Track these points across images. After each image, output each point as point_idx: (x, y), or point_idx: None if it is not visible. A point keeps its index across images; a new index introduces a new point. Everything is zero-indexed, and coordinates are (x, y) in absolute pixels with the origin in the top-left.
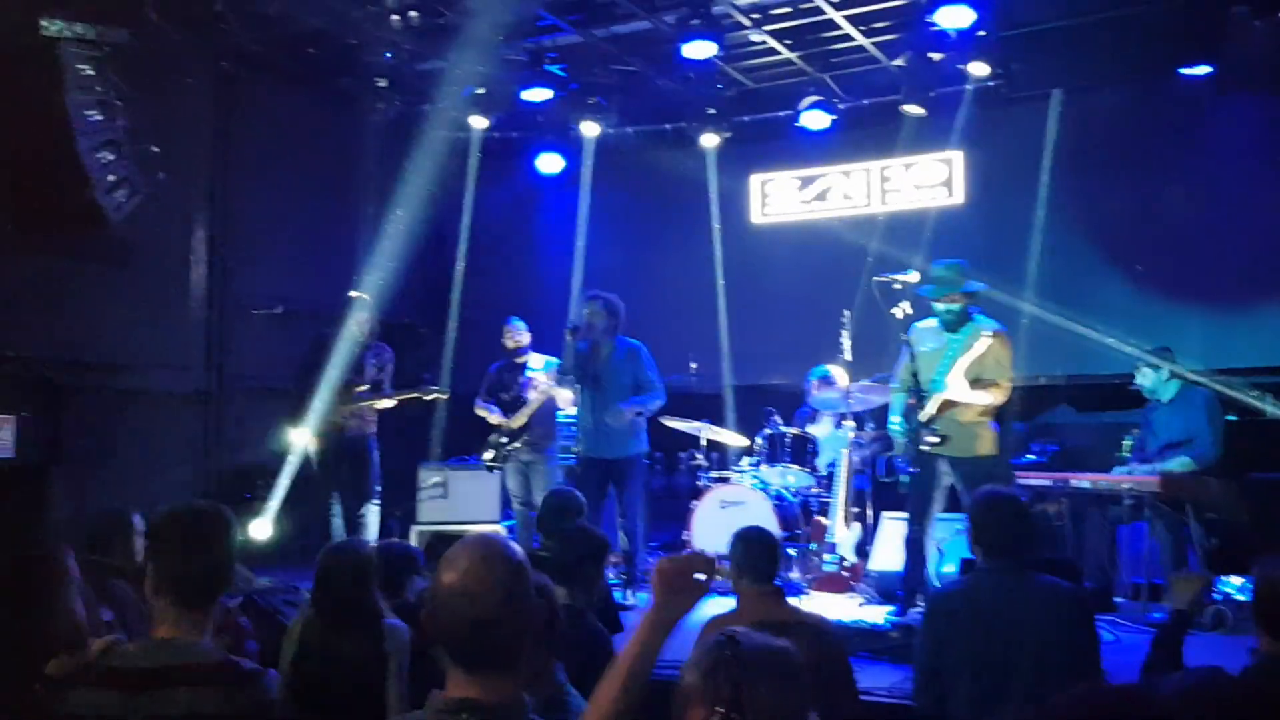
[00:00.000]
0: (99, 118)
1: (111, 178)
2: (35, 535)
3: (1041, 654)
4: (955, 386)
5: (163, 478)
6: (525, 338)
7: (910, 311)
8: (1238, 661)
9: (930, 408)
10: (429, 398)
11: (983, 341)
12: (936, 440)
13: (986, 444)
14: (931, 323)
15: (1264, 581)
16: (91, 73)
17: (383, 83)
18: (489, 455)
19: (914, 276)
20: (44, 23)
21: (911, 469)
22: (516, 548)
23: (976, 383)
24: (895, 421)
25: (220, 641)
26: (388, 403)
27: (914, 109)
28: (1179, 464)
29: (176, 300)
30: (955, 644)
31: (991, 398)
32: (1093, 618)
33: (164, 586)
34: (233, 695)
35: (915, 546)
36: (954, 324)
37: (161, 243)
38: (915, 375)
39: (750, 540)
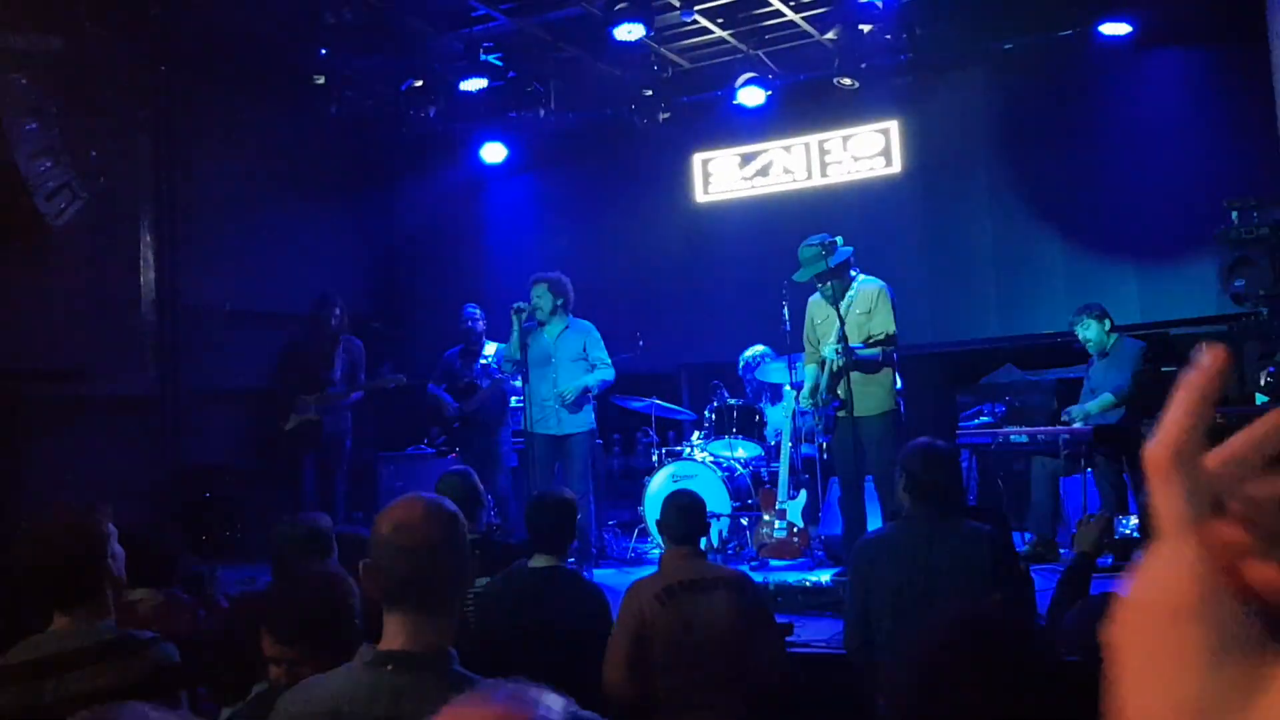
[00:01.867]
0: (34, 126)
1: (51, 184)
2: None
3: (960, 593)
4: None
5: (117, 482)
6: (481, 324)
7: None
8: None
9: (825, 376)
10: (392, 386)
11: (865, 298)
12: (840, 408)
13: (885, 400)
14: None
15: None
16: (25, 82)
17: (320, 80)
18: (442, 441)
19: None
20: None
21: (827, 435)
22: (449, 502)
23: (867, 340)
24: (805, 393)
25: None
26: (358, 396)
27: (847, 81)
28: (1099, 403)
29: (126, 304)
30: (879, 587)
31: (879, 352)
32: (1014, 559)
33: None
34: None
35: (848, 507)
36: (834, 297)
37: (109, 247)
38: (817, 346)
39: (671, 504)
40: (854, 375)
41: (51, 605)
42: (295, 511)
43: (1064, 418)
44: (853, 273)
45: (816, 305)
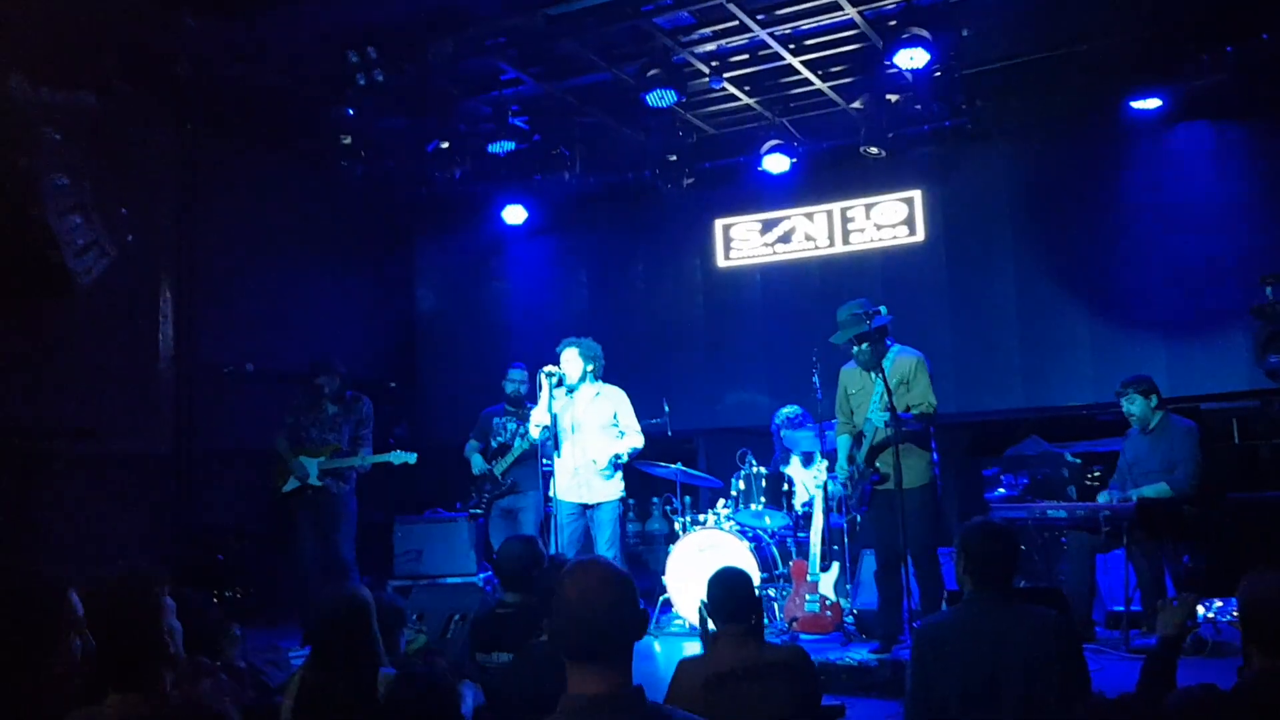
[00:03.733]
0: (66, 181)
1: (80, 241)
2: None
3: (1030, 684)
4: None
5: (133, 542)
6: (525, 388)
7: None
8: (1223, 682)
9: (863, 452)
10: (398, 463)
11: (901, 370)
12: (879, 480)
13: (924, 472)
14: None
15: (1251, 598)
16: (58, 138)
17: (347, 140)
18: (472, 504)
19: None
20: (11, 88)
21: (864, 507)
22: (621, 567)
23: (906, 411)
24: (841, 464)
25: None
26: (361, 466)
27: (873, 150)
28: (1155, 490)
29: (144, 362)
30: (944, 676)
31: (920, 425)
32: (1080, 646)
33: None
34: None
35: (886, 583)
36: (870, 363)
37: (128, 304)
38: (851, 416)
39: (719, 581)
40: (893, 447)
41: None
42: (298, 576)
43: (1105, 498)
44: (888, 341)
45: (850, 375)
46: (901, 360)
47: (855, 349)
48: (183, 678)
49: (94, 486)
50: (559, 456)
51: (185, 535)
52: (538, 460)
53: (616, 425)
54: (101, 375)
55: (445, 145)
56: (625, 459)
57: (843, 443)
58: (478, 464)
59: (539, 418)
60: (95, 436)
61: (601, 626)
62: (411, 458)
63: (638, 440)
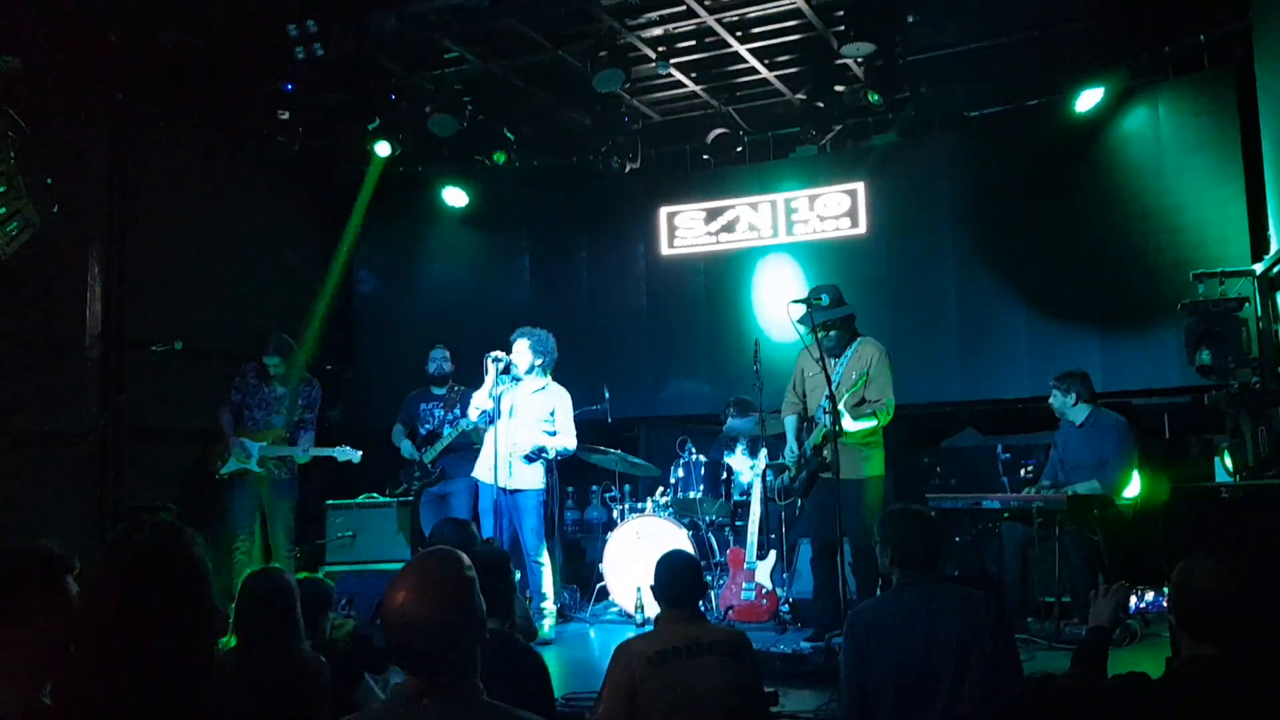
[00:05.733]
0: None
1: (2, 209)
2: None
3: (963, 663)
4: (846, 419)
5: (57, 522)
6: (448, 366)
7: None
8: (1151, 672)
9: (815, 437)
10: (341, 460)
11: (863, 360)
12: (825, 468)
13: (874, 465)
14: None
15: (1182, 585)
16: None
17: (285, 115)
18: (401, 490)
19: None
20: None
21: (805, 496)
22: (465, 564)
23: (861, 404)
24: (791, 445)
25: None
26: (303, 459)
27: (817, 141)
28: (1087, 488)
29: (70, 337)
30: (878, 660)
31: (877, 420)
32: (1008, 626)
33: None
34: None
35: (821, 571)
36: (835, 349)
37: (54, 276)
38: (804, 399)
39: (667, 565)
40: (844, 439)
41: None
42: (230, 560)
43: (1035, 491)
44: (854, 330)
45: (809, 357)
46: (864, 350)
47: (821, 334)
48: None
49: (18, 465)
50: (486, 439)
51: (113, 516)
52: (469, 447)
53: (552, 422)
54: (26, 350)
55: (384, 123)
56: (551, 455)
57: (789, 423)
58: (407, 449)
59: (480, 401)
60: (18, 413)
61: (420, 642)
62: (356, 456)
63: (569, 442)
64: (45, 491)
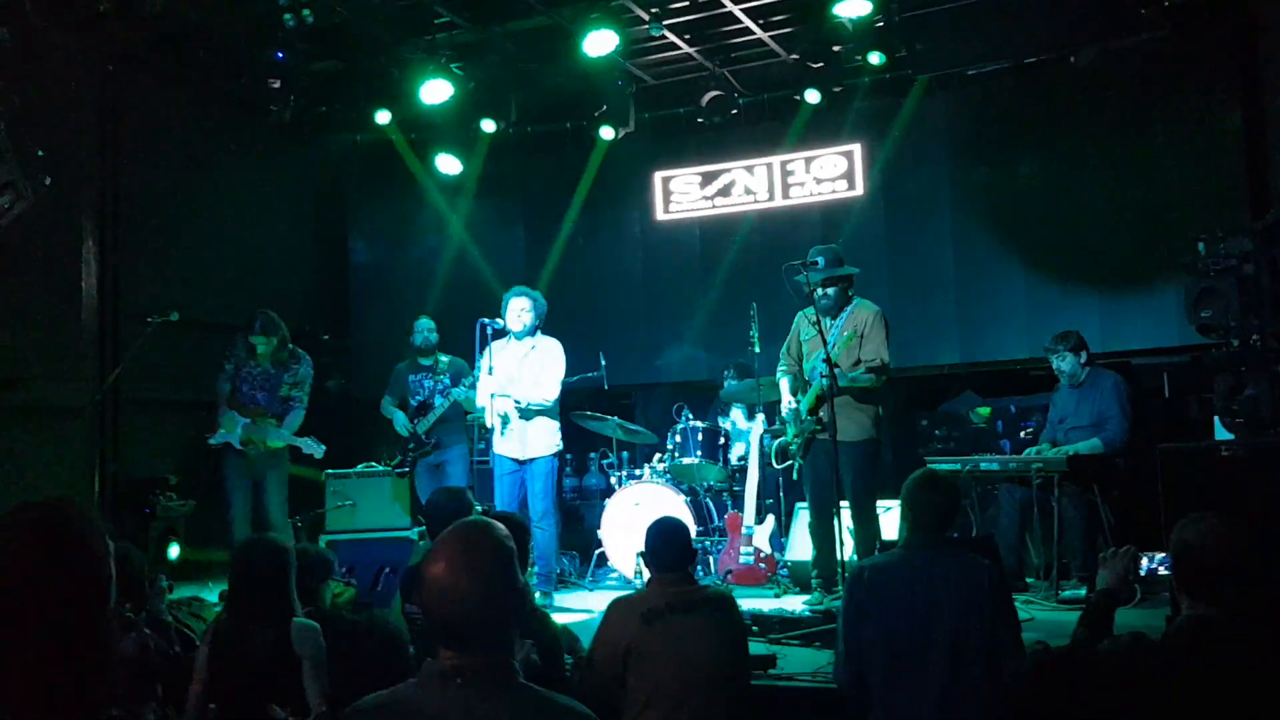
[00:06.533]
0: None
1: None
2: None
3: (959, 628)
4: (842, 373)
5: (55, 494)
6: (434, 337)
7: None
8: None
9: (809, 398)
10: (305, 451)
11: (858, 321)
12: (819, 429)
13: (866, 427)
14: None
15: (1182, 544)
16: None
17: (276, 84)
18: (396, 461)
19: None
20: None
21: (802, 457)
22: (503, 534)
23: (856, 364)
24: (789, 405)
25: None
26: (276, 443)
27: (813, 100)
28: (1088, 446)
29: (66, 309)
30: (876, 619)
31: (873, 378)
32: (1010, 594)
33: None
34: None
35: (819, 533)
36: (832, 309)
37: (49, 249)
38: (799, 361)
39: (657, 530)
40: (839, 400)
41: None
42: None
43: (1035, 452)
44: (850, 293)
45: (807, 320)
46: (859, 312)
47: (820, 291)
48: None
49: (16, 438)
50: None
51: (110, 487)
52: (461, 416)
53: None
54: (22, 323)
55: (376, 91)
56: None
57: (785, 384)
58: (400, 421)
59: (488, 386)
60: (16, 385)
61: (461, 615)
62: (319, 451)
63: (545, 394)
64: (44, 463)
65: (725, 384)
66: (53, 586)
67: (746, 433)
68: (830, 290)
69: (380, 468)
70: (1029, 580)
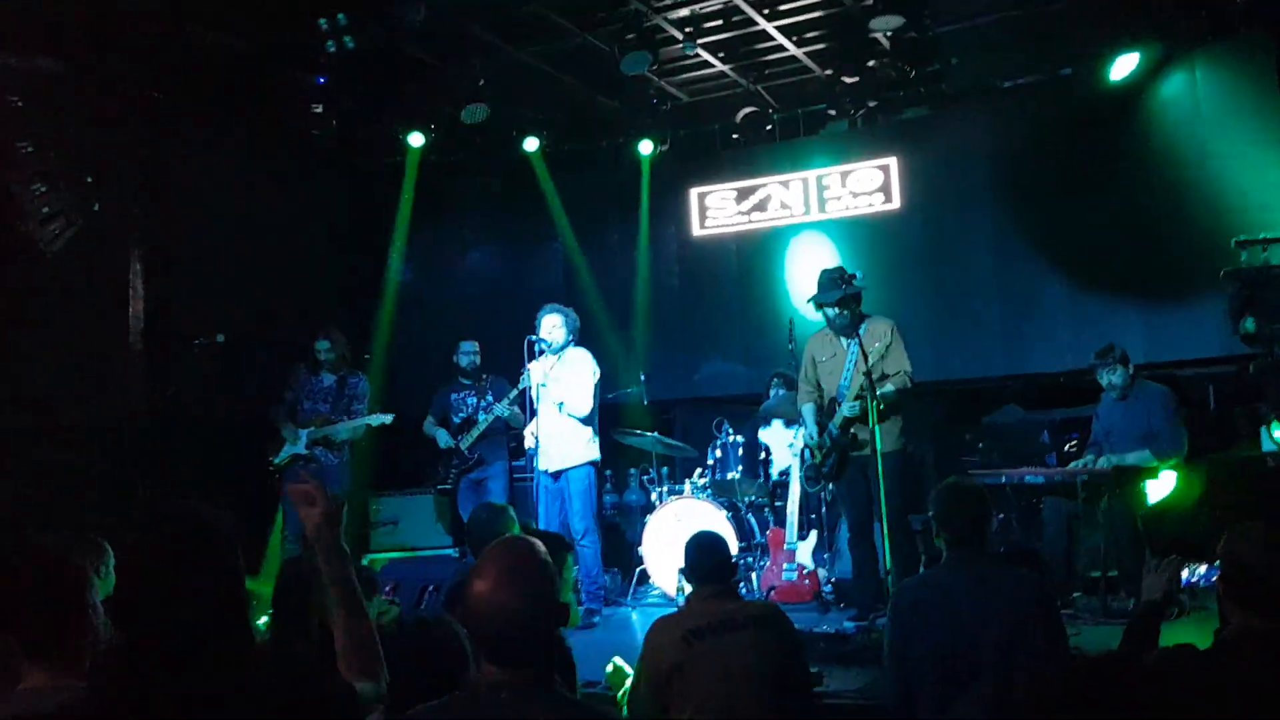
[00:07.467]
0: (30, 149)
1: (45, 209)
2: None
3: (1007, 643)
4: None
5: (103, 515)
6: (478, 360)
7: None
8: (1199, 644)
9: (839, 419)
10: (375, 424)
11: (879, 333)
12: (855, 447)
13: (896, 439)
14: (827, 332)
15: (1231, 556)
16: (20, 104)
17: (317, 108)
18: (440, 479)
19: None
20: None
21: (835, 480)
22: (542, 551)
23: (881, 379)
24: (810, 431)
25: None
26: (344, 433)
27: (848, 116)
28: (1138, 458)
29: (114, 332)
30: (922, 637)
31: (894, 386)
32: (1056, 607)
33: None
34: None
35: (859, 550)
36: (847, 328)
37: (97, 274)
38: (818, 386)
39: (695, 544)
40: (866, 414)
41: (23, 653)
42: (278, 548)
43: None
44: (861, 309)
45: (819, 342)
46: (876, 326)
47: (834, 312)
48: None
49: (65, 459)
50: (534, 423)
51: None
52: (503, 433)
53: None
54: (71, 346)
55: (418, 114)
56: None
57: (808, 410)
58: (443, 439)
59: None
60: (66, 409)
61: (506, 631)
62: (388, 418)
63: (571, 401)
64: (92, 485)
65: (771, 392)
66: (204, 574)
67: (785, 453)
68: (845, 310)
69: (421, 488)
70: (1075, 595)
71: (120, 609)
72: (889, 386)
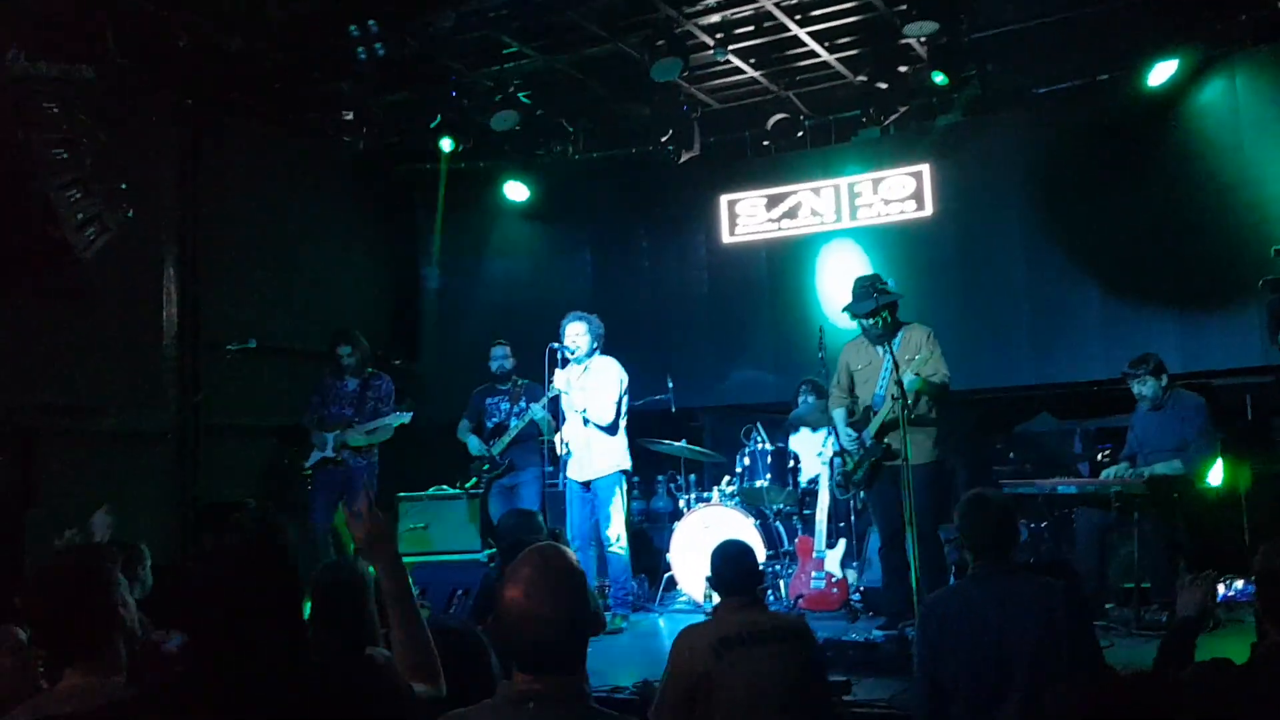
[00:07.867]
0: (65, 155)
1: (80, 215)
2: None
3: (1038, 654)
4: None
5: (138, 519)
6: (509, 364)
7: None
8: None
9: (873, 427)
10: (395, 424)
11: (912, 344)
12: (889, 457)
13: (931, 449)
14: (862, 340)
15: (1267, 570)
16: (56, 111)
17: (349, 115)
18: (472, 484)
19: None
20: (7, 61)
21: (867, 488)
22: (574, 560)
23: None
24: (843, 430)
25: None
26: (359, 437)
27: (880, 123)
28: (1169, 468)
29: (148, 338)
30: (952, 649)
31: (934, 392)
32: (1088, 616)
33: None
34: None
35: (890, 559)
36: (882, 336)
37: (131, 280)
38: (851, 393)
39: (721, 554)
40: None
41: (60, 659)
42: (310, 551)
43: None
44: (898, 317)
45: (855, 350)
46: (912, 334)
47: (870, 321)
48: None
49: (100, 465)
50: (559, 433)
51: (194, 514)
52: (535, 439)
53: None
54: (107, 352)
55: (446, 121)
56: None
57: (839, 415)
58: (475, 445)
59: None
60: (99, 413)
61: (539, 639)
62: (407, 417)
63: (594, 409)
64: (126, 491)
65: (800, 399)
66: (269, 584)
67: (814, 461)
68: (879, 319)
69: (452, 490)
70: (1108, 606)
71: (187, 611)
72: (932, 378)
